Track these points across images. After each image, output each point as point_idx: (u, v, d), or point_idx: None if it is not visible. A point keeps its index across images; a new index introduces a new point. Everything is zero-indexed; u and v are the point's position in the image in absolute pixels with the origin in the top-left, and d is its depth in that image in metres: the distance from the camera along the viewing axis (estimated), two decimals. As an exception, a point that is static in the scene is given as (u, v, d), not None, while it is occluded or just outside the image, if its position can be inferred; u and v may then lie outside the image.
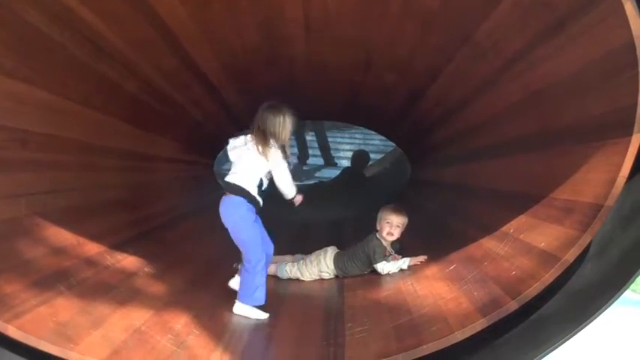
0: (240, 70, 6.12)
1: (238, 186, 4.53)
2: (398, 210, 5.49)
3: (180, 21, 4.61)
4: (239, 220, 4.55)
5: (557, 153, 4.08)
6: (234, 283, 4.68)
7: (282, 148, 4.65)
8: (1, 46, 3.62)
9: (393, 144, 10.34)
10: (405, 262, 5.19)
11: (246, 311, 4.34)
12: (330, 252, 5.52)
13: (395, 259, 5.29)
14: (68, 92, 4.56)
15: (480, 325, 3.51)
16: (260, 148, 4.51)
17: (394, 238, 5.39)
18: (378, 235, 5.42)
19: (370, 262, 5.33)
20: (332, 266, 5.43)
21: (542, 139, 4.31)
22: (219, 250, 6.47)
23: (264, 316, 4.31)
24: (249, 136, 4.62)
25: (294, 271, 5.47)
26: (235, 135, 4.68)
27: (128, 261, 5.09)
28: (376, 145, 12.22)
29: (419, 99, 6.59)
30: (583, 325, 3.30)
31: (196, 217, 7.68)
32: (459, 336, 3.49)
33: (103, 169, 5.48)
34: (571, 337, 3.32)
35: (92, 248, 4.82)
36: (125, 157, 5.98)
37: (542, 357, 3.34)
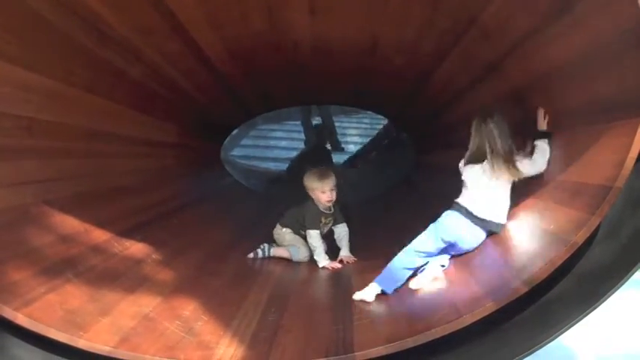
0: (246, 55, 6.10)
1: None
2: (324, 175, 5.57)
3: (185, 6, 4.59)
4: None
5: (565, 135, 4.06)
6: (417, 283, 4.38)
7: None
8: (5, 32, 3.61)
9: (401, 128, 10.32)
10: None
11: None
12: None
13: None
14: (73, 79, 4.54)
15: (489, 308, 3.50)
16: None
17: (334, 199, 5.55)
18: (313, 204, 5.64)
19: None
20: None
21: (551, 121, 4.28)
22: (227, 236, 6.52)
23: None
24: None
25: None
26: None
27: (136, 248, 5.09)
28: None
29: (426, 82, 6.56)
30: (592, 307, 3.30)
31: (204, 203, 7.70)
32: (468, 319, 3.48)
33: (109, 155, 5.48)
34: (580, 319, 3.32)
35: (100, 235, 4.82)
36: (131, 143, 5.98)
37: (552, 340, 3.34)
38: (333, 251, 5.61)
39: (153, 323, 3.81)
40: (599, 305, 3.29)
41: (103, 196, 5.23)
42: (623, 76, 3.29)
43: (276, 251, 5.78)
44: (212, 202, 8.12)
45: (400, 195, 8.74)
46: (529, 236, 4.01)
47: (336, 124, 12.29)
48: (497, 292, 3.60)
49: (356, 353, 3.46)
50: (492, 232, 4.29)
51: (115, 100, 5.29)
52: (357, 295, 4.23)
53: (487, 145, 4.30)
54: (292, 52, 6.11)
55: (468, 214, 4.28)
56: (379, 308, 4.10)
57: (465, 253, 4.38)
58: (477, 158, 4.38)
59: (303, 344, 3.74)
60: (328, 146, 11.49)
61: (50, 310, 3.58)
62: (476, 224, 4.27)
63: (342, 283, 4.90)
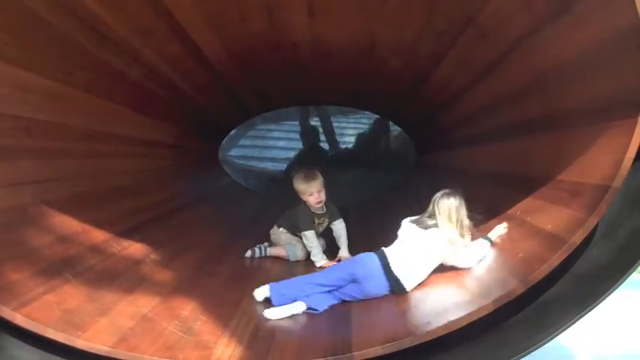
0: (245, 56, 6.10)
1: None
2: (310, 177, 5.56)
3: (183, 6, 4.59)
4: None
5: (564, 135, 4.07)
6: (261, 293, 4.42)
7: None
8: (4, 33, 3.61)
9: (399, 128, 10.31)
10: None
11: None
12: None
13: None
14: (72, 79, 4.55)
15: (486, 308, 3.51)
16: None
17: (324, 201, 5.57)
18: (305, 206, 5.66)
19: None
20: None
21: (548, 122, 4.29)
22: (225, 236, 6.52)
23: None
24: None
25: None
26: None
27: (134, 248, 5.10)
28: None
29: (424, 83, 6.57)
30: (590, 307, 3.30)
31: (202, 203, 7.70)
32: (466, 320, 3.49)
33: (107, 156, 5.48)
34: (578, 320, 3.33)
35: (98, 236, 4.82)
36: (130, 143, 5.98)
37: (550, 339, 3.34)
38: (332, 249, 5.62)
39: (151, 323, 3.81)
40: (596, 305, 3.30)
41: (101, 196, 5.24)
42: (622, 76, 3.30)
43: (272, 251, 5.79)
44: (210, 202, 8.12)
45: (399, 195, 8.73)
46: (527, 236, 4.01)
47: (334, 124, 12.27)
48: (495, 292, 3.60)
49: (354, 353, 3.46)
50: (394, 291, 4.21)
51: (113, 101, 5.29)
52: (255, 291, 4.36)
53: (446, 215, 4.28)
54: (291, 53, 6.11)
55: (385, 265, 4.24)
56: (377, 308, 4.11)
57: (359, 301, 4.34)
58: (425, 225, 4.36)
59: (301, 345, 3.74)
60: (325, 146, 11.48)
61: (48, 310, 3.58)
62: (386, 277, 4.21)
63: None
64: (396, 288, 4.18)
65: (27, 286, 3.65)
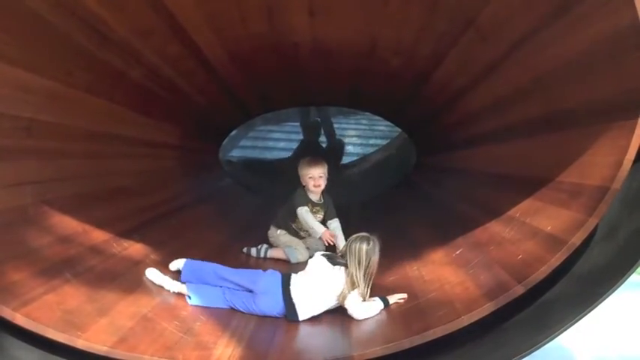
0: (245, 56, 6.10)
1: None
2: (314, 161, 5.73)
3: (184, 7, 4.59)
4: None
5: (563, 136, 4.07)
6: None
7: None
8: (4, 33, 3.61)
9: (399, 130, 10.32)
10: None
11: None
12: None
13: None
14: (73, 80, 4.55)
15: (486, 309, 3.52)
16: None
17: (322, 188, 5.72)
18: (302, 189, 5.81)
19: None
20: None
21: (548, 122, 4.29)
22: (225, 237, 6.53)
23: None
24: None
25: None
26: None
27: (134, 248, 5.10)
28: (382, 130, 12.17)
29: (424, 84, 6.56)
30: (590, 309, 3.30)
31: (202, 204, 7.70)
32: (466, 320, 3.50)
33: (108, 156, 5.48)
34: (577, 321, 3.32)
35: (98, 236, 4.83)
36: (130, 144, 5.98)
37: (549, 341, 3.34)
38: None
39: (151, 323, 3.82)
40: (596, 306, 3.29)
41: (101, 196, 5.24)
42: (621, 77, 3.30)
43: (272, 252, 5.80)
44: (211, 202, 8.13)
45: (400, 196, 8.75)
46: (526, 237, 4.01)
47: (335, 125, 12.27)
48: (495, 293, 3.61)
49: (354, 354, 3.47)
50: (287, 315, 4.18)
51: (114, 101, 5.29)
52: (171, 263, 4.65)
53: (356, 257, 4.21)
54: (291, 54, 6.11)
55: (285, 287, 4.24)
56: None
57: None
58: (334, 262, 4.34)
59: (301, 345, 3.75)
60: (323, 143, 11.50)
61: (48, 310, 3.58)
62: (283, 298, 4.19)
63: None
64: (289, 313, 4.15)
65: (27, 286, 3.66)
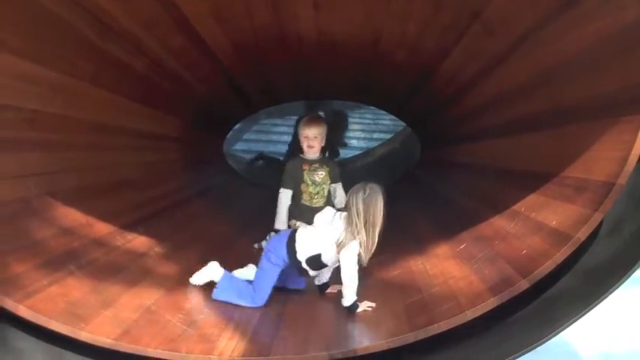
0: (250, 49, 6.09)
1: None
2: (311, 121, 5.60)
3: (188, -1, 4.59)
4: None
5: (569, 131, 4.05)
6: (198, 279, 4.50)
7: None
8: (8, 24, 3.60)
9: (404, 124, 10.30)
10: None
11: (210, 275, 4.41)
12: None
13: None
14: (77, 71, 4.54)
15: (490, 304, 3.51)
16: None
17: (316, 150, 5.58)
18: (293, 160, 5.76)
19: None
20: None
21: (554, 117, 4.28)
22: (229, 229, 6.52)
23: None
24: None
25: None
26: None
27: (138, 241, 5.10)
28: (386, 124, 12.15)
29: (429, 78, 6.55)
30: (594, 304, 3.29)
31: (206, 196, 7.70)
32: (470, 315, 3.49)
33: (112, 148, 5.47)
34: (582, 316, 3.31)
35: (102, 228, 4.82)
36: (135, 136, 5.97)
37: (553, 336, 3.33)
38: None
39: (155, 316, 3.82)
40: (601, 302, 3.28)
41: (105, 189, 5.24)
42: (627, 72, 3.29)
43: None
44: (214, 195, 8.13)
45: (404, 190, 8.73)
46: (531, 232, 4.00)
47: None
48: (500, 287, 3.60)
49: (357, 348, 3.47)
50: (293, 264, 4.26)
51: (118, 93, 5.29)
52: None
53: (353, 210, 4.10)
54: (296, 46, 6.10)
55: (291, 237, 4.29)
56: (380, 303, 4.10)
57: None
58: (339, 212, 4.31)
59: (305, 338, 3.74)
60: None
61: (52, 302, 3.58)
62: (287, 245, 4.25)
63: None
64: (290, 255, 4.22)
65: (31, 278, 3.65)
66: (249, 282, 4.34)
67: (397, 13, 4.95)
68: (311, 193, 5.68)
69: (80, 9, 4.15)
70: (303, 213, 5.65)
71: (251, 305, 4.16)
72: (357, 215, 4.05)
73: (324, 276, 4.41)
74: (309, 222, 5.39)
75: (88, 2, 4.13)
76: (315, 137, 5.52)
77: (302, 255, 4.20)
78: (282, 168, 5.95)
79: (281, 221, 5.62)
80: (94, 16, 4.32)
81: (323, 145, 5.73)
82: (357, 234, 4.05)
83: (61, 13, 4.00)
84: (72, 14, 4.11)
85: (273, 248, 4.28)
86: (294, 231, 4.34)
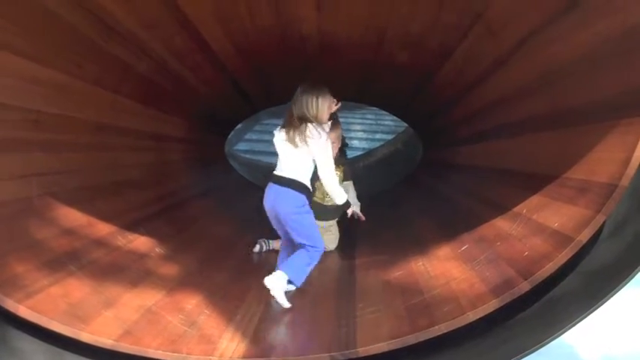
0: (252, 50, 6.10)
1: (289, 178, 4.49)
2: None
3: (191, 0, 4.59)
4: (298, 211, 4.48)
5: (571, 132, 4.05)
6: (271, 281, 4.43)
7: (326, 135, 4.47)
8: (13, 25, 3.61)
9: (405, 124, 10.32)
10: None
11: (280, 283, 4.22)
12: None
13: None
14: (80, 72, 4.55)
15: (492, 305, 3.50)
16: (298, 137, 4.39)
17: (334, 153, 5.37)
18: None
19: None
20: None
21: (556, 119, 4.27)
22: (230, 230, 6.52)
23: (286, 303, 4.21)
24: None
25: None
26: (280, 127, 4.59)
27: (140, 241, 5.10)
28: (388, 125, 12.17)
29: (431, 79, 6.56)
30: (596, 306, 3.28)
31: (207, 197, 7.70)
32: (471, 316, 3.49)
33: (114, 149, 5.48)
34: (584, 317, 3.31)
35: (104, 228, 4.82)
36: (137, 136, 5.98)
37: (555, 338, 3.33)
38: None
39: (156, 317, 3.82)
40: (603, 304, 3.28)
41: (107, 189, 5.24)
42: (630, 74, 3.28)
43: (275, 244, 5.78)
44: (216, 196, 8.13)
45: (405, 191, 8.74)
46: (533, 234, 3.99)
47: (340, 119, 12.28)
48: (501, 289, 3.59)
49: (358, 349, 3.46)
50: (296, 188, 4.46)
51: (121, 94, 5.29)
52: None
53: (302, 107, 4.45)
54: (298, 47, 6.11)
55: (277, 179, 4.63)
56: (382, 304, 4.10)
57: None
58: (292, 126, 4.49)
59: (306, 339, 3.74)
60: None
61: (53, 302, 3.58)
62: (280, 185, 4.56)
63: (345, 279, 4.90)
64: (294, 185, 4.44)
65: (32, 278, 3.66)
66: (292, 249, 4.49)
67: (400, 13, 4.96)
68: (324, 191, 5.67)
69: (84, 11, 4.16)
70: (315, 210, 5.64)
71: (320, 254, 4.40)
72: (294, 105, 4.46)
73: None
74: (321, 218, 5.44)
75: (92, 4, 4.14)
76: (333, 142, 5.49)
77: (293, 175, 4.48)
78: None
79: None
80: (98, 17, 4.33)
81: (340, 146, 5.74)
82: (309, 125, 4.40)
83: (65, 15, 4.01)
84: (76, 16, 4.12)
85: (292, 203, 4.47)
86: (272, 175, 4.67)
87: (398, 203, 8.16)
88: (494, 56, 4.97)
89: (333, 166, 4.48)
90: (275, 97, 8.96)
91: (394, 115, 10.23)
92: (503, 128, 5.51)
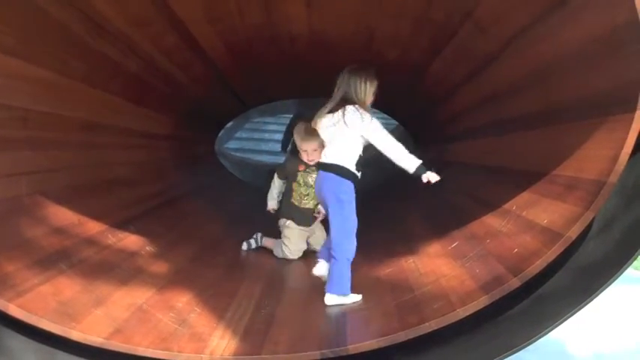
0: (242, 48, 6.09)
1: (333, 164, 4.50)
2: (307, 135, 5.43)
3: (180, -2, 4.59)
4: (339, 199, 4.46)
5: (560, 129, 4.06)
6: (320, 270, 4.53)
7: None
8: (1, 23, 3.59)
9: (396, 122, 10.31)
10: None
11: (341, 300, 4.17)
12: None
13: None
14: (69, 70, 4.53)
15: (482, 302, 3.51)
16: (344, 120, 4.45)
17: (316, 160, 5.31)
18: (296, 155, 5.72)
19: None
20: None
21: (545, 116, 4.28)
22: (220, 228, 6.52)
23: (358, 297, 4.21)
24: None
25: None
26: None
27: (130, 240, 5.09)
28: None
29: (421, 76, 6.56)
30: (585, 302, 3.29)
31: (197, 195, 7.69)
32: (461, 313, 3.49)
33: (104, 147, 5.47)
34: (573, 314, 3.31)
35: (93, 227, 4.81)
36: (126, 135, 5.97)
37: (545, 334, 3.33)
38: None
39: (146, 315, 3.81)
40: (592, 300, 3.28)
41: (97, 187, 5.23)
42: (619, 70, 3.29)
43: (266, 241, 5.78)
44: (206, 194, 8.12)
45: (395, 188, 8.73)
46: (522, 230, 4.00)
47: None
48: (491, 286, 3.60)
49: (349, 346, 3.46)
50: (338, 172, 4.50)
51: (110, 92, 5.28)
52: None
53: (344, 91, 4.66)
54: (288, 46, 6.10)
55: (322, 166, 4.63)
56: (372, 301, 4.11)
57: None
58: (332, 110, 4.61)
59: (297, 337, 3.74)
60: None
61: (43, 301, 3.57)
62: (325, 171, 4.55)
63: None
64: (338, 170, 4.48)
65: (22, 277, 3.64)
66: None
67: (390, 11, 4.96)
68: (301, 193, 5.66)
69: (73, 9, 4.14)
70: (292, 212, 5.70)
71: (348, 261, 4.29)
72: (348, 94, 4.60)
73: None
74: (298, 222, 5.42)
75: (81, 2, 4.13)
76: (315, 150, 5.44)
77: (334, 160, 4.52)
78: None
79: (271, 199, 5.81)
80: (87, 15, 4.32)
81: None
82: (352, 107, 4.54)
83: (53, 13, 4.00)
84: (65, 14, 4.11)
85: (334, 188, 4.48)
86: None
87: (387, 200, 8.17)
88: (484, 54, 4.98)
89: (391, 136, 4.66)
90: (265, 95, 8.98)
91: (384, 112, 10.22)
92: (492, 125, 5.52)
